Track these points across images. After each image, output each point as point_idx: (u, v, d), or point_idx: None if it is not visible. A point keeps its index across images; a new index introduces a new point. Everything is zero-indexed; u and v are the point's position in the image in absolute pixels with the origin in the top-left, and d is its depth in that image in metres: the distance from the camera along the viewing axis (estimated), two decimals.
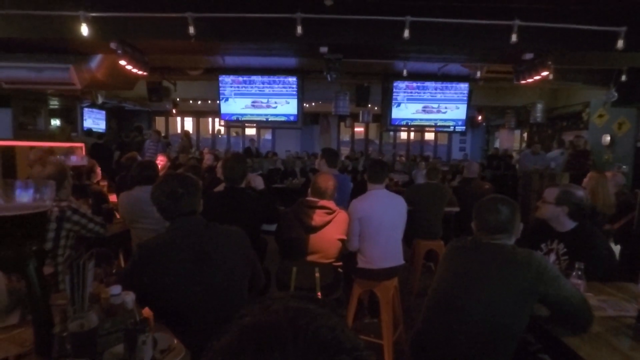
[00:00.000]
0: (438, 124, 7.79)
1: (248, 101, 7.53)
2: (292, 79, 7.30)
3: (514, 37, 4.14)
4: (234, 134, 14.15)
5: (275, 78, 7.37)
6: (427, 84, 7.51)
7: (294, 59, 6.64)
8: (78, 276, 1.23)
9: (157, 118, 13.59)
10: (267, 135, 14.11)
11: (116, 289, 1.36)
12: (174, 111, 9.98)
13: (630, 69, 5.56)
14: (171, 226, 1.58)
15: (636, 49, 4.35)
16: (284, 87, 7.41)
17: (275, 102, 7.50)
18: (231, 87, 7.49)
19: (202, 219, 1.64)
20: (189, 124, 14.16)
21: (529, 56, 4.86)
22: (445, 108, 7.65)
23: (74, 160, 2.84)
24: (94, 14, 4.23)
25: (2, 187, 1.29)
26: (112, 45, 4.66)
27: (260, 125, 8.00)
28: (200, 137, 14.26)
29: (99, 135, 8.92)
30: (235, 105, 7.56)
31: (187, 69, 7.26)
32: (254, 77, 7.41)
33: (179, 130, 13.98)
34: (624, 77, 5.59)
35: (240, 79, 7.45)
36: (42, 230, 1.40)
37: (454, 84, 7.50)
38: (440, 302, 1.61)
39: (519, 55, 4.91)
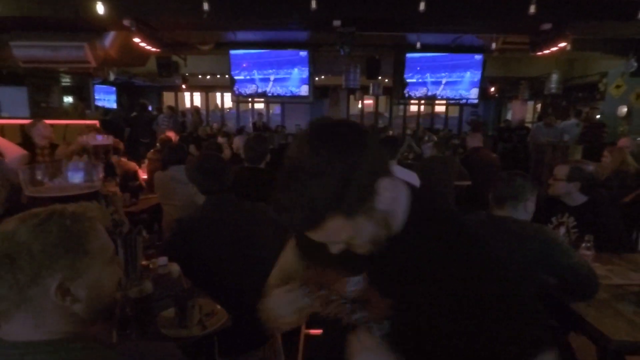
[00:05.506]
0: (450, 96, 7.72)
1: (258, 75, 7.52)
2: (303, 53, 7.24)
3: (532, 8, 4.06)
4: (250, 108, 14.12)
5: (286, 52, 7.32)
6: (440, 55, 7.39)
7: (304, 33, 6.57)
8: (130, 249, 1.37)
9: (165, 93, 13.60)
10: (277, 109, 14.06)
11: (163, 260, 1.50)
12: (183, 86, 9.99)
13: None
14: (206, 202, 1.70)
15: None
16: (294, 61, 7.36)
17: (286, 76, 7.48)
18: (241, 61, 7.46)
19: (234, 196, 1.76)
20: (197, 98, 14.15)
21: (546, 26, 4.76)
22: (458, 80, 7.55)
23: (100, 139, 2.95)
24: None
25: (56, 169, 1.42)
26: (126, 22, 4.68)
27: (271, 99, 8.01)
28: (210, 112, 14.28)
29: (105, 111, 8.99)
30: (245, 79, 7.56)
31: (197, 44, 7.22)
32: (264, 52, 7.36)
33: (187, 105, 14.00)
34: None
35: (251, 53, 7.41)
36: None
37: (467, 56, 7.36)
38: None
39: (536, 25, 4.81)
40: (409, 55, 7.30)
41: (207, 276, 1.61)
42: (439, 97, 7.79)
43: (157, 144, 4.89)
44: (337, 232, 0.67)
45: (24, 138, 5.90)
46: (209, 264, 1.62)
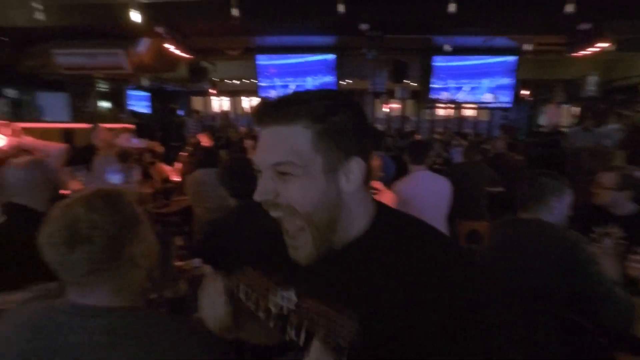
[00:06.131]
0: (480, 100, 7.53)
1: (285, 80, 7.60)
2: (330, 57, 7.26)
3: (569, 7, 3.89)
4: None
5: (312, 56, 7.36)
6: (470, 57, 7.22)
7: (330, 37, 6.59)
8: (165, 251, 1.39)
9: (194, 98, 13.98)
10: None
11: (197, 261, 1.52)
12: (212, 91, 10.23)
13: None
14: (238, 205, 1.72)
15: None
16: (320, 66, 7.40)
17: (312, 81, 7.52)
18: (268, 65, 7.57)
19: None
20: (225, 103, 14.44)
21: (585, 26, 4.56)
22: (489, 83, 7.35)
23: (136, 142, 3.05)
24: (142, 0, 4.40)
25: (96, 169, 1.46)
26: (159, 29, 4.84)
27: None
28: (238, 116, 14.54)
29: (135, 115, 9.33)
30: (272, 84, 7.66)
31: (226, 49, 7.39)
32: (290, 56, 7.43)
33: (215, 110, 14.30)
34: None
35: (277, 57, 7.51)
36: None
37: (498, 58, 7.16)
38: None
39: (573, 25, 4.62)
40: (436, 58, 7.18)
41: None
42: (468, 101, 7.61)
43: (189, 147, 5.01)
44: (281, 145, 0.61)
45: (66, 141, 6.21)
46: (239, 268, 1.62)
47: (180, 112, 11.26)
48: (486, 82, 7.34)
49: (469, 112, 13.78)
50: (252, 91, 10.86)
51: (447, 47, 5.84)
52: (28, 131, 4.87)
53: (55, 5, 4.52)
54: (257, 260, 0.82)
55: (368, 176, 0.65)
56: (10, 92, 7.71)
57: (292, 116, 0.61)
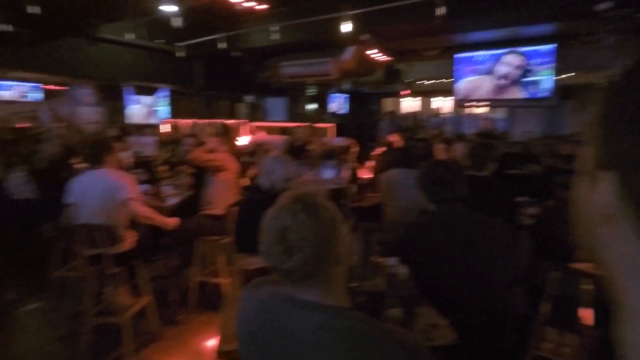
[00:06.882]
0: None
1: (488, 78, 6.96)
2: (547, 48, 6.22)
3: None
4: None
5: (523, 49, 6.47)
6: None
7: (548, 26, 5.62)
8: (366, 244, 1.48)
9: (385, 99, 14.49)
10: (502, 114, 12.70)
11: (394, 260, 1.57)
12: (405, 92, 10.38)
13: None
14: (437, 210, 1.67)
15: None
16: (533, 59, 6.43)
17: (523, 77, 6.62)
18: (468, 64, 7.09)
19: (466, 206, 1.66)
20: (415, 104, 14.40)
21: None
22: None
23: (337, 140, 3.38)
24: (351, 12, 4.81)
25: (313, 164, 1.69)
26: (364, 37, 5.21)
27: (500, 103, 7.28)
28: (427, 117, 14.30)
29: (335, 115, 10.33)
30: (471, 83, 7.15)
31: (422, 50, 7.34)
32: (494, 52, 6.74)
33: (406, 111, 14.45)
34: None
35: (480, 54, 6.94)
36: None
37: None
38: None
39: None
40: None
41: (431, 286, 1.57)
42: None
43: (382, 146, 5.23)
44: None
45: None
46: (434, 275, 1.58)
47: (373, 113, 11.92)
48: None
49: None
50: (443, 91, 10.50)
51: None
52: (259, 129, 6.12)
53: (285, 26, 5.47)
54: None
55: None
56: (249, 98, 9.88)
57: None
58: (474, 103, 7.46)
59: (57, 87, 8.87)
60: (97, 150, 2.43)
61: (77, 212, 2.34)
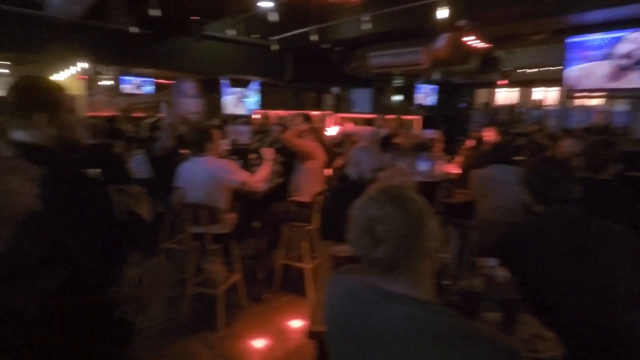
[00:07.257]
0: None
1: (604, 63, 6.03)
2: None
3: None
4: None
5: None
6: None
7: None
8: (462, 241, 1.40)
9: (478, 90, 13.40)
10: (622, 107, 10.93)
11: (493, 261, 1.46)
12: (502, 82, 9.52)
13: None
14: (546, 212, 1.50)
15: None
16: None
17: None
18: (582, 49, 6.22)
19: (580, 209, 1.47)
20: (512, 95, 13.12)
21: None
22: None
23: (429, 133, 3.25)
24: None
25: (411, 157, 1.65)
26: (461, 22, 4.87)
27: (622, 94, 6.27)
28: (526, 110, 12.95)
29: (422, 107, 9.87)
30: (586, 70, 6.26)
31: (528, 35, 6.61)
32: (620, 34, 5.77)
33: (501, 102, 13.26)
34: None
35: (595, 37, 6.03)
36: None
37: None
38: None
39: None
40: None
41: (535, 294, 1.43)
42: None
43: (471, 140, 4.88)
44: None
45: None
46: (540, 282, 1.43)
47: (462, 105, 11.19)
48: None
49: None
50: (548, 80, 9.36)
51: None
52: (344, 120, 6.16)
53: (377, 16, 5.36)
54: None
55: None
56: (335, 90, 10.00)
57: None
58: (587, 93, 6.53)
59: (166, 81, 10.06)
60: (200, 139, 2.67)
61: (184, 194, 2.62)
